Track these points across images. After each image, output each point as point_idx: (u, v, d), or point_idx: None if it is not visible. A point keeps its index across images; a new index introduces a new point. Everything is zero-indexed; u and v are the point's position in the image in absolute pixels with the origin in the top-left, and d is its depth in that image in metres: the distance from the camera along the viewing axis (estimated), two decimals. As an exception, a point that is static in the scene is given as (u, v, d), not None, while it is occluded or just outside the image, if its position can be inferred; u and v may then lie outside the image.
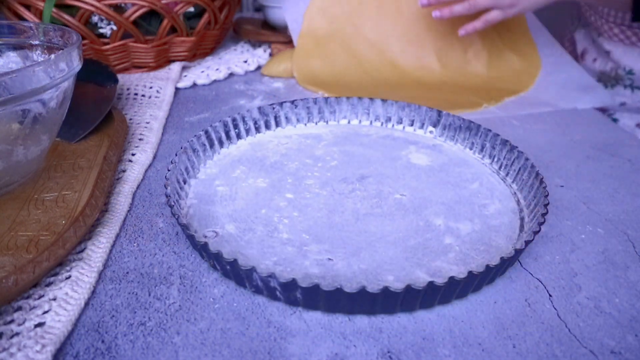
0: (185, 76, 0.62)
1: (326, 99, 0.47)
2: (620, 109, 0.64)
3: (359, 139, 0.45)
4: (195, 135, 0.39)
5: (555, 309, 0.27)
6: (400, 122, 0.47)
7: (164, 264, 0.30)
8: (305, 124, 0.47)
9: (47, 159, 0.37)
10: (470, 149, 0.43)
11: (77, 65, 0.33)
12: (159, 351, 0.24)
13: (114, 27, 0.56)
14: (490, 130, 0.41)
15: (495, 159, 0.40)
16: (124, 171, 0.39)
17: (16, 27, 0.39)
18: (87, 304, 0.27)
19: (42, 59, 0.39)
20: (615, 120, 0.64)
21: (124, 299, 0.28)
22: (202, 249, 0.29)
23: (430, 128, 0.46)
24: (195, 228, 0.33)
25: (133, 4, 0.55)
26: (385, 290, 0.24)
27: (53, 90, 0.31)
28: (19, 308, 0.26)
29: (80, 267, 0.29)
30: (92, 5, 0.52)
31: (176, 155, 0.36)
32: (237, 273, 0.27)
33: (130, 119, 0.48)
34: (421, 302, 0.26)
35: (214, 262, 0.29)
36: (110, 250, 0.31)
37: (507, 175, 0.38)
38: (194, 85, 0.61)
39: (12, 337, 0.24)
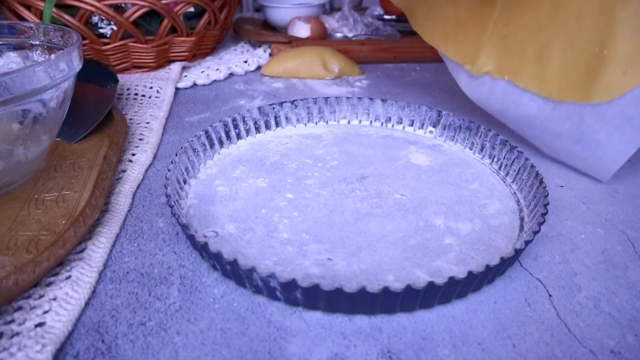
0: (185, 76, 0.62)
1: (326, 99, 0.47)
2: None
3: (359, 139, 0.45)
4: (195, 135, 0.39)
5: (555, 308, 0.27)
6: (400, 122, 0.47)
7: (164, 264, 0.30)
8: (305, 124, 0.47)
9: (47, 159, 0.37)
10: (470, 149, 0.43)
11: (77, 65, 0.33)
12: (159, 351, 0.24)
13: (114, 27, 0.56)
14: (490, 130, 0.41)
15: (495, 159, 0.40)
16: (124, 171, 0.39)
17: (16, 27, 0.39)
18: (87, 304, 0.27)
19: (42, 59, 0.39)
20: None
21: (124, 299, 0.28)
22: (202, 249, 0.29)
23: (430, 128, 0.46)
24: (195, 228, 0.33)
25: (133, 4, 0.55)
26: (385, 290, 0.24)
27: (53, 90, 0.31)
28: (19, 308, 0.26)
29: (81, 267, 0.29)
30: (92, 5, 0.52)
31: (176, 155, 0.36)
32: (237, 273, 0.27)
33: (131, 119, 0.48)
34: (421, 302, 0.26)
35: (214, 262, 0.29)
36: (111, 250, 0.31)
37: (507, 175, 0.38)
38: (194, 85, 0.61)
39: (12, 337, 0.24)
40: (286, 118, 0.46)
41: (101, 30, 0.57)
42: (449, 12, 0.45)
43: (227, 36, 0.80)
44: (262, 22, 0.84)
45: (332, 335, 0.25)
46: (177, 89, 0.59)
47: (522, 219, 0.34)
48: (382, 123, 0.47)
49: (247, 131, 0.44)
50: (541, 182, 0.33)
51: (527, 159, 0.36)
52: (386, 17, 0.87)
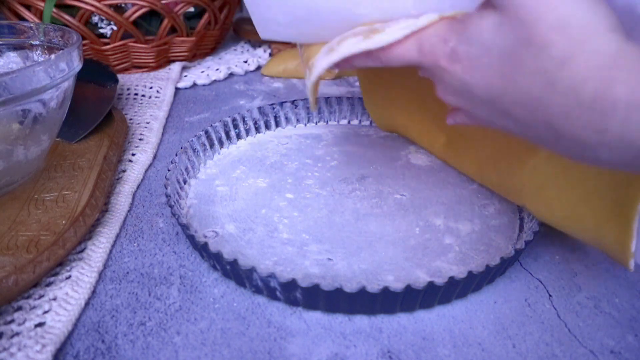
0: (185, 76, 0.62)
1: (327, 98, 0.47)
2: None
3: (359, 139, 0.45)
4: (195, 135, 0.39)
5: (555, 308, 0.27)
6: (400, 122, 0.47)
7: (164, 264, 0.30)
8: (305, 124, 0.47)
9: (47, 159, 0.37)
10: (470, 149, 0.43)
11: (77, 65, 0.33)
12: (159, 351, 0.24)
13: (114, 27, 0.56)
14: (490, 130, 0.41)
15: (495, 159, 0.40)
16: (124, 171, 0.39)
17: (16, 27, 0.39)
18: (87, 304, 0.27)
19: (42, 59, 0.39)
20: None
21: (124, 299, 0.28)
22: (202, 249, 0.29)
23: (430, 128, 0.45)
24: (195, 228, 0.33)
25: (133, 4, 0.55)
26: (385, 290, 0.24)
27: (53, 90, 0.31)
28: (19, 308, 0.26)
29: (81, 267, 0.29)
30: (92, 5, 0.52)
31: (176, 155, 0.36)
32: (237, 273, 0.27)
33: (130, 119, 0.48)
34: (421, 302, 0.26)
35: (214, 262, 0.29)
36: (110, 250, 0.31)
37: (507, 175, 0.38)
38: (194, 85, 0.61)
39: (12, 337, 0.24)
40: (286, 118, 0.46)
41: (101, 30, 0.57)
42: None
43: (227, 36, 0.80)
44: (262, 22, 0.84)
45: (332, 335, 0.25)
46: (177, 89, 0.59)
47: (522, 219, 0.34)
48: (382, 123, 0.47)
49: (247, 131, 0.44)
50: (541, 182, 0.33)
51: (527, 159, 0.36)
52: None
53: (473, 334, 0.25)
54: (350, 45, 0.23)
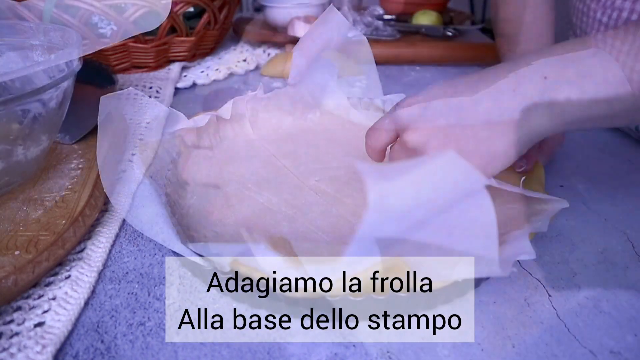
0: (185, 76, 0.62)
1: (326, 99, 0.47)
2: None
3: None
4: (195, 135, 0.39)
5: (554, 308, 0.27)
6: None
7: (163, 264, 0.30)
8: (305, 124, 0.47)
9: (47, 159, 0.37)
10: (470, 149, 0.42)
11: (77, 65, 0.33)
12: (158, 351, 0.24)
13: (114, 27, 0.56)
14: (490, 130, 0.40)
15: (495, 159, 0.40)
16: (124, 171, 0.39)
17: (16, 27, 0.39)
18: (86, 303, 0.27)
19: (42, 59, 0.39)
20: None
21: (123, 299, 0.28)
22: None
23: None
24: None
25: (133, 4, 0.55)
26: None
27: (53, 90, 0.31)
28: (19, 308, 0.26)
29: (80, 267, 0.29)
30: (92, 5, 0.52)
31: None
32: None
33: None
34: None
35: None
36: (110, 250, 0.31)
37: (506, 175, 0.38)
38: (194, 85, 0.61)
39: (12, 337, 0.24)
40: (286, 118, 0.46)
41: (101, 30, 0.57)
42: None
43: (227, 36, 0.80)
44: (262, 22, 0.84)
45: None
46: (176, 89, 0.59)
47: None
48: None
49: (247, 131, 0.44)
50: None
51: (526, 159, 0.36)
52: (386, 17, 0.87)
53: (472, 334, 0.25)
54: None
